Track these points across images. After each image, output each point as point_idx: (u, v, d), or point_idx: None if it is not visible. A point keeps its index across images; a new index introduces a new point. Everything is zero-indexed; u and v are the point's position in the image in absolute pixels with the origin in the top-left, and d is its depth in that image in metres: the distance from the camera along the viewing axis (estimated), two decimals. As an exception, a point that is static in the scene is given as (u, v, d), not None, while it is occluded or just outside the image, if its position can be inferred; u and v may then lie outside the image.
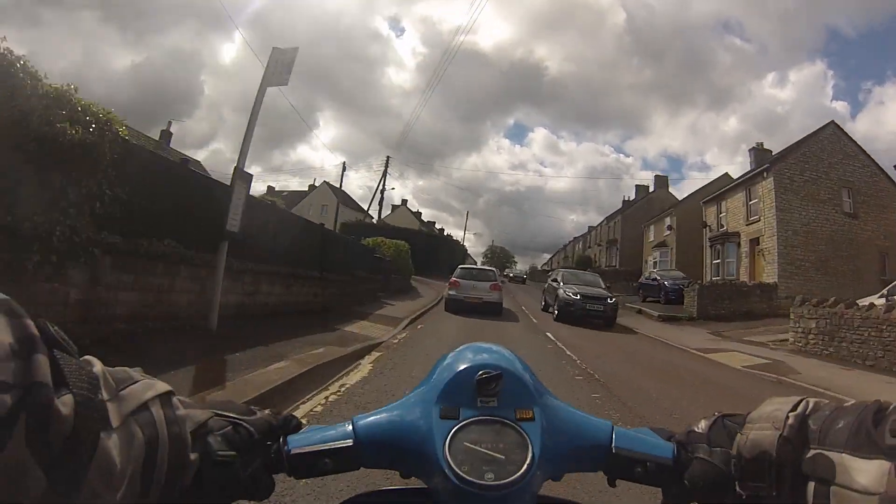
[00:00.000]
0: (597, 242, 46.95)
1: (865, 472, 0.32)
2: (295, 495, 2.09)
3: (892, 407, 0.34)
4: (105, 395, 0.31)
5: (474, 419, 0.44)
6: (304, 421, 0.48)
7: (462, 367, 0.47)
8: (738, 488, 0.40)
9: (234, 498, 0.41)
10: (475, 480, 0.40)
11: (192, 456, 0.37)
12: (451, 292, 12.22)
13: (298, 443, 0.45)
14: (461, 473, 0.40)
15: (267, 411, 0.46)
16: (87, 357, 0.33)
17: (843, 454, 0.34)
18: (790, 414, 0.38)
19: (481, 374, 0.45)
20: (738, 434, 0.41)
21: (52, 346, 0.28)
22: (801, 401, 0.39)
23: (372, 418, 0.47)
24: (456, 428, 0.43)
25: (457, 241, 35.52)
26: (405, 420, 0.46)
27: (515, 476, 0.40)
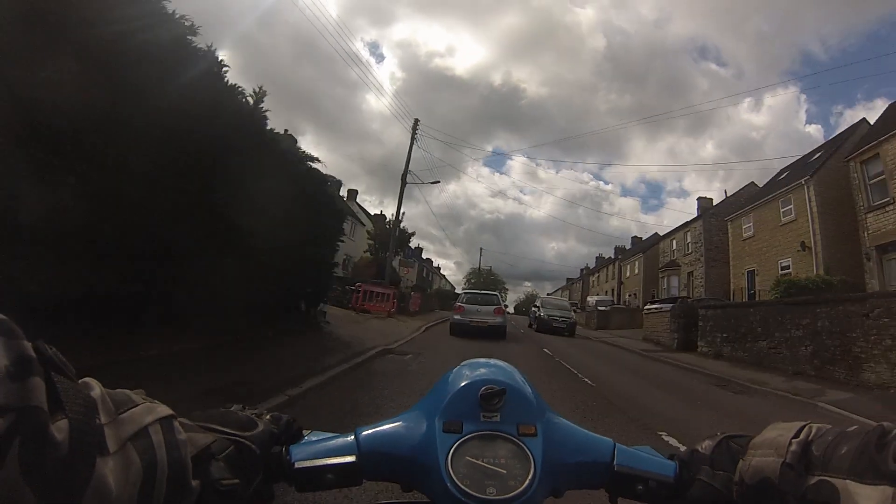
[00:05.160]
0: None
1: (869, 498, 0.32)
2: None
3: (895, 432, 0.34)
4: (103, 419, 0.30)
5: (477, 433, 0.44)
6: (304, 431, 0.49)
7: (466, 382, 0.48)
8: None
9: None
10: (477, 495, 0.40)
11: (194, 482, 0.35)
12: (456, 317, 12.12)
13: (302, 455, 0.45)
14: (463, 487, 0.41)
15: (268, 417, 0.46)
16: (85, 379, 0.32)
17: (847, 480, 0.33)
18: (793, 440, 0.38)
19: (485, 389, 0.45)
20: (741, 459, 0.41)
21: (49, 369, 0.28)
22: (805, 426, 0.40)
23: (375, 430, 0.47)
24: (458, 442, 0.44)
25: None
26: (408, 433, 0.46)
27: (517, 491, 0.41)
